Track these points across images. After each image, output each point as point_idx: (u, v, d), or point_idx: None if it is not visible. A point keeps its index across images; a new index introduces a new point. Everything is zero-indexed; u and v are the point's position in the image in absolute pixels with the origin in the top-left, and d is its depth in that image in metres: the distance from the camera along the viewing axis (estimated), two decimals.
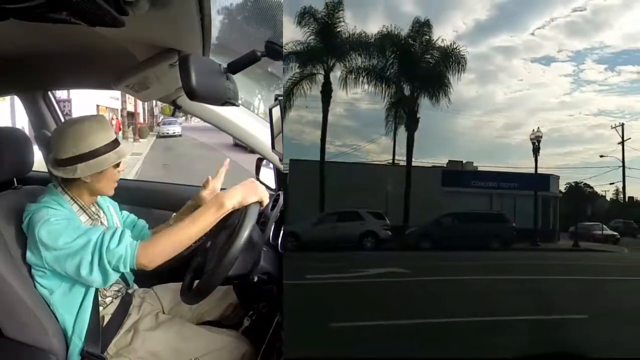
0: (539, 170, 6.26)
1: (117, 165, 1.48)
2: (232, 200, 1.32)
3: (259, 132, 2.10)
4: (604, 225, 6.67)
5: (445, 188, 6.80)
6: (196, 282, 1.53)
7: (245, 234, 1.35)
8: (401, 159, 6.65)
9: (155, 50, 1.42)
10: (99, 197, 1.61)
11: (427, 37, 6.37)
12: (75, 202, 1.49)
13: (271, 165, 2.16)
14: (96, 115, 1.53)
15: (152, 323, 1.57)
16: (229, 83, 1.30)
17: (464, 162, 7.16)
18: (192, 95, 1.16)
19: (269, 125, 1.91)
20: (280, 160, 2.07)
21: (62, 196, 1.47)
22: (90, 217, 1.51)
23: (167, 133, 24.58)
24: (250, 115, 2.14)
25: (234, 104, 1.36)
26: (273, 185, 2.24)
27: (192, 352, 1.51)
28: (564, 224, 6.57)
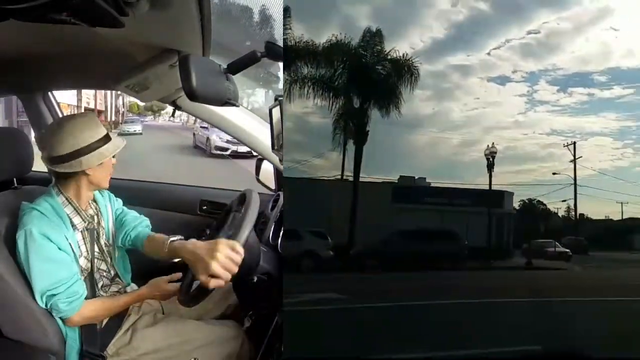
0: (494, 188, 6.23)
1: (113, 156, 1.54)
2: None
3: (259, 133, 2.10)
4: (556, 242, 6.71)
5: (396, 205, 6.59)
6: (196, 282, 1.53)
7: (244, 235, 1.35)
8: (350, 174, 6.42)
9: (155, 50, 1.42)
10: (97, 196, 1.61)
11: (379, 48, 6.16)
12: (70, 203, 1.49)
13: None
14: (86, 112, 1.56)
15: (151, 320, 1.58)
16: (229, 83, 1.30)
17: (416, 178, 7.00)
18: (192, 95, 1.16)
19: (268, 125, 1.91)
20: (281, 160, 2.07)
21: (57, 198, 1.47)
22: (83, 220, 1.51)
23: (128, 131, 25.08)
24: (250, 116, 2.14)
25: (234, 105, 1.36)
26: (273, 186, 2.25)
27: (191, 345, 1.52)
28: (518, 241, 6.58)
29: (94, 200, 1.60)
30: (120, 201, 1.75)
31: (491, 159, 5.99)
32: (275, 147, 1.84)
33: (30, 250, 1.36)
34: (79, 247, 1.48)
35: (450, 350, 2.18)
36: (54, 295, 1.37)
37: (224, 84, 1.28)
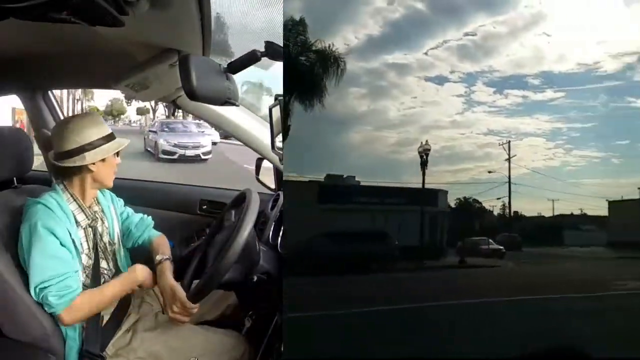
0: (430, 187, 6.24)
1: (117, 154, 1.57)
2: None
3: (259, 132, 2.10)
4: (490, 240, 6.88)
5: (323, 205, 6.46)
6: (195, 281, 1.53)
7: (245, 233, 1.35)
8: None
9: (155, 50, 1.42)
10: (100, 195, 1.62)
11: (303, 38, 5.98)
12: (75, 200, 1.51)
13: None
14: (91, 112, 1.57)
15: (151, 323, 1.57)
16: (229, 83, 1.30)
17: (344, 176, 6.88)
18: (192, 95, 1.16)
19: (268, 125, 1.90)
20: (280, 160, 2.07)
21: (62, 194, 1.49)
22: (87, 217, 1.53)
23: None
24: (250, 115, 2.14)
25: (234, 104, 1.36)
26: (273, 185, 2.25)
27: (191, 351, 1.51)
28: (452, 239, 6.71)
29: (97, 201, 1.61)
30: (121, 201, 1.76)
31: (425, 157, 5.99)
32: (275, 147, 1.84)
33: (33, 244, 1.37)
34: (81, 244, 1.48)
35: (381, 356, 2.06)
36: (46, 287, 1.36)
37: (224, 84, 1.28)
